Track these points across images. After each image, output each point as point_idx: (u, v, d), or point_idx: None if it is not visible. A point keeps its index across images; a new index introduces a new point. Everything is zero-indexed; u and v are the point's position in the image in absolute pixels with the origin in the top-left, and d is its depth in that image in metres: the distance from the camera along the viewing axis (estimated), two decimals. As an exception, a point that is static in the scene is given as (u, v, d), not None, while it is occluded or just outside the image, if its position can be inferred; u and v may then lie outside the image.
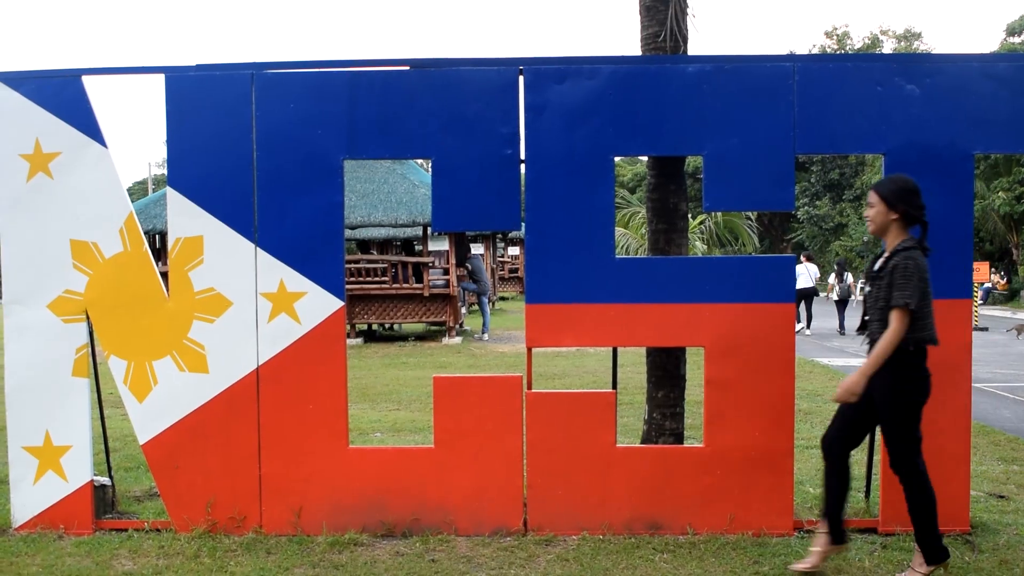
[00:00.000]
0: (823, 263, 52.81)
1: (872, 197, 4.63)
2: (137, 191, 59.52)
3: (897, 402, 4.51)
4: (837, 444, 4.74)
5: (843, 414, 4.73)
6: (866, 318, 4.69)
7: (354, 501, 5.44)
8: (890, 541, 5.22)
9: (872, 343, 4.55)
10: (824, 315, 22.65)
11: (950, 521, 5.31)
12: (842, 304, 21.85)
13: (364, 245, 24.84)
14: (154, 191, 45.34)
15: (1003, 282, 35.71)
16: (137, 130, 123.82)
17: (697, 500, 5.35)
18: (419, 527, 5.41)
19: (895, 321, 4.38)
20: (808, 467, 7.13)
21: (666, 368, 6.05)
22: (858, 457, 7.36)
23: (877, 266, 4.62)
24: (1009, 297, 34.72)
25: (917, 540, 4.60)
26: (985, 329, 21.55)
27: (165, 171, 5.91)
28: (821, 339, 19.92)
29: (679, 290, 5.26)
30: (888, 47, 50.68)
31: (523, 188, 5.36)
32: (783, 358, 5.31)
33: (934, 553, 4.55)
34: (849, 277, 22.37)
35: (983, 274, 31.49)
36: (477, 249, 27.91)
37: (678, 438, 6.11)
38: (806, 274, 20.43)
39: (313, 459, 5.45)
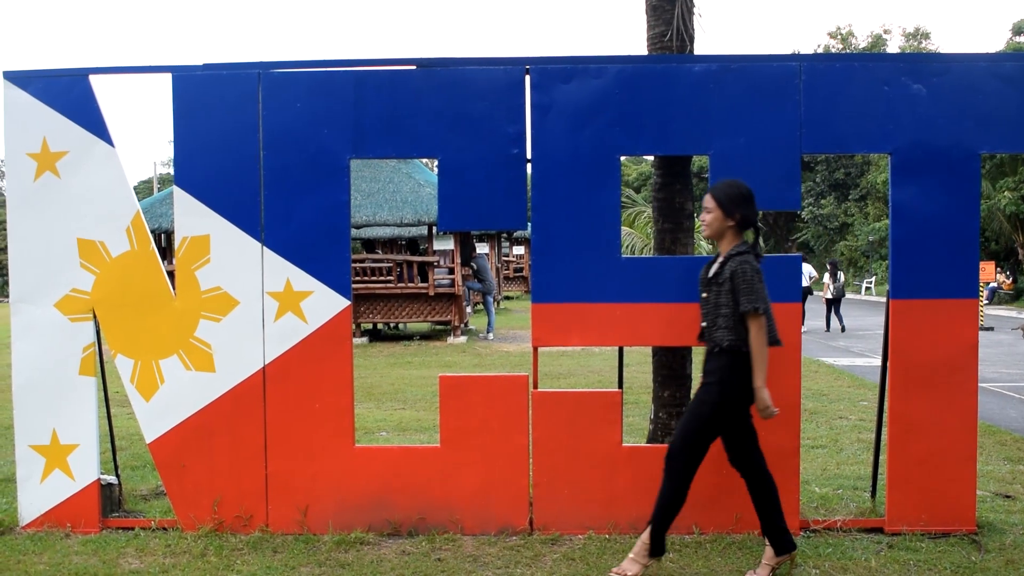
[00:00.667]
0: (827, 263, 52.81)
1: (709, 202, 4.66)
2: (143, 190, 59.60)
3: (718, 401, 4.57)
4: (743, 456, 4.77)
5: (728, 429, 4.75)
6: (704, 324, 4.69)
7: (360, 500, 5.44)
8: (896, 541, 5.21)
9: (715, 350, 4.59)
10: (809, 314, 22.61)
11: (957, 521, 5.31)
12: (835, 303, 22.03)
13: (369, 244, 24.88)
14: (159, 190, 45.46)
15: (1009, 282, 35.61)
16: (142, 129, 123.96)
17: (703, 499, 5.34)
18: (425, 526, 5.42)
19: (754, 327, 4.45)
20: (814, 467, 7.13)
21: (672, 367, 6.05)
22: (864, 457, 7.39)
23: (713, 272, 4.64)
24: (1015, 297, 34.62)
25: (764, 532, 4.71)
26: (991, 329, 21.51)
27: (170, 170, 5.93)
28: (826, 339, 19.91)
29: (685, 290, 5.25)
30: (893, 45, 50.60)
31: (529, 187, 5.36)
32: (789, 357, 5.30)
33: (782, 544, 4.66)
34: (841, 277, 22.62)
35: (988, 274, 31.48)
36: (482, 248, 27.93)
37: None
38: (804, 274, 20.45)
39: (319, 458, 5.46)
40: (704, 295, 4.69)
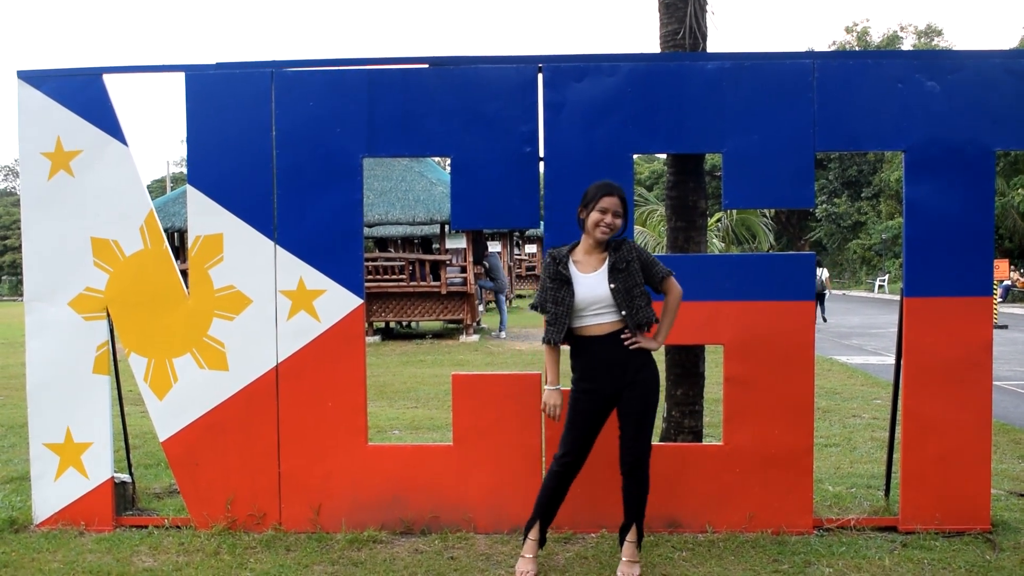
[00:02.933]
0: (840, 261, 52.72)
1: (620, 206, 4.62)
2: (155, 189, 59.81)
3: (656, 390, 4.71)
4: (583, 455, 4.75)
5: (587, 419, 4.69)
6: (623, 312, 4.55)
7: (373, 498, 5.45)
8: (910, 539, 5.18)
9: (641, 325, 4.58)
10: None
11: (971, 520, 5.29)
12: (819, 298, 22.29)
13: (382, 243, 24.91)
14: (172, 189, 45.58)
15: (1023, 280, 35.45)
16: (156, 128, 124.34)
17: (716, 498, 5.34)
18: (438, 524, 5.42)
19: (676, 285, 4.70)
20: (827, 465, 7.11)
21: (685, 366, 6.04)
22: (877, 455, 7.36)
23: (611, 264, 4.59)
24: (1029, 294, 34.47)
25: (640, 533, 4.77)
26: (1005, 327, 21.42)
27: (183, 169, 5.95)
28: (839, 336, 19.84)
29: (698, 288, 5.23)
30: (908, 43, 50.46)
31: (542, 186, 5.36)
32: (802, 356, 5.29)
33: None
34: (825, 273, 22.99)
35: (1002, 271, 31.38)
36: (494, 247, 27.92)
37: (697, 436, 6.10)
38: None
39: (332, 456, 5.46)
40: (613, 286, 4.56)
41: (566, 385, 4.73)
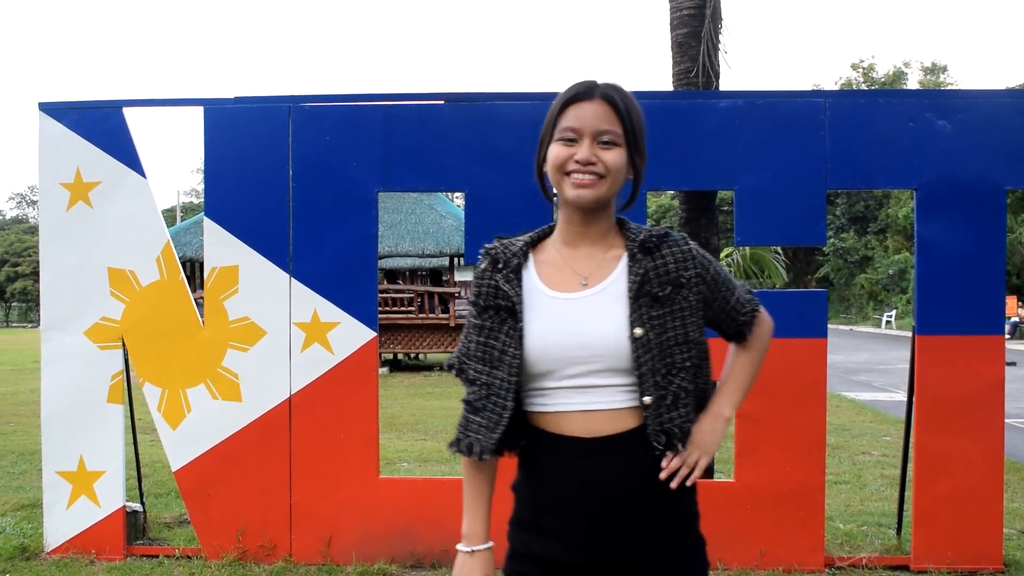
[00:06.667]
0: (847, 296, 52.60)
1: (614, 122, 2.46)
2: (166, 219, 59.75)
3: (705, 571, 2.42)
4: None
5: None
6: (647, 400, 2.10)
7: (384, 531, 5.45)
8: (922, 579, 5.17)
9: (682, 434, 2.24)
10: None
11: (982, 559, 5.27)
12: None
13: (391, 275, 24.97)
14: (183, 219, 45.74)
15: (1032, 317, 35.33)
16: (167, 158, 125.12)
17: (727, 534, 5.32)
18: (448, 558, 5.41)
19: (766, 318, 2.64)
20: (837, 502, 7.08)
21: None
22: (888, 493, 7.34)
23: (637, 279, 2.14)
24: (1037, 332, 34.33)
25: None
26: (1013, 364, 21.19)
27: (193, 199, 5.99)
28: (847, 372, 19.78)
29: (710, 323, 5.24)
30: (913, 79, 50.74)
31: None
32: (815, 392, 5.29)
33: None
34: None
35: (1011, 308, 31.26)
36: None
37: (708, 472, 6.09)
38: None
39: (344, 489, 5.47)
40: (638, 332, 2.07)
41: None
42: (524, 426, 2.16)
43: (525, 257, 2.17)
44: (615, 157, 2.09)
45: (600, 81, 2.13)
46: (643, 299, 2.05)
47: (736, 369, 2.43)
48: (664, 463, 2.07)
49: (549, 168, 2.13)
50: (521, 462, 2.22)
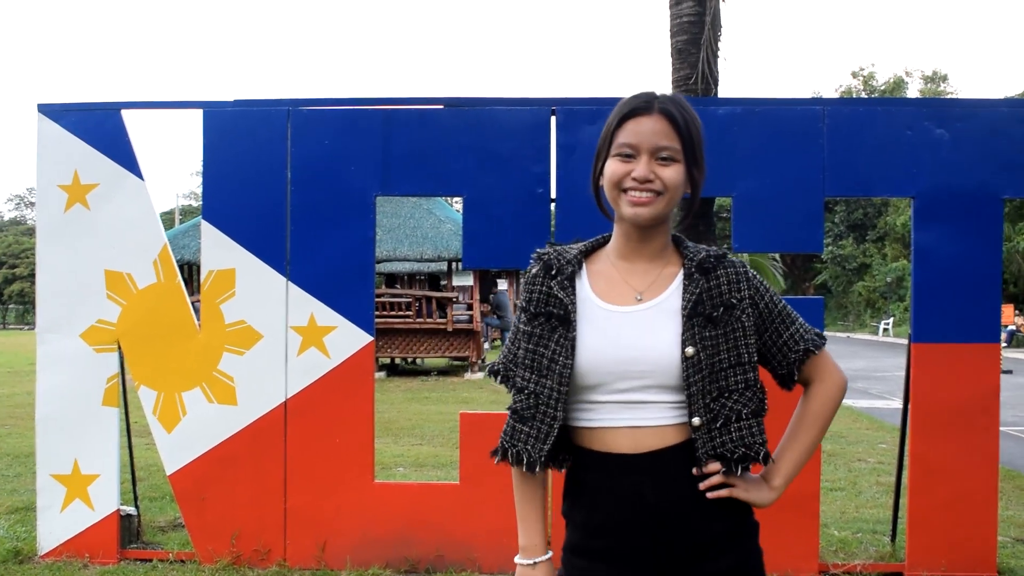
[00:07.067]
0: (845, 303, 52.63)
1: (673, 139, 2.28)
2: (164, 221, 59.71)
3: None
4: None
5: None
6: (696, 421, 2.13)
7: (379, 536, 5.44)
8: (918, 587, 5.16)
9: (732, 456, 2.20)
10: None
11: (976, 566, 5.26)
12: None
13: (389, 279, 24.98)
14: (181, 222, 45.72)
15: (1028, 325, 35.38)
16: (165, 161, 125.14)
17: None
18: (443, 564, 5.40)
19: (835, 370, 2.47)
20: (832, 509, 7.08)
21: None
22: (883, 500, 7.33)
23: (693, 297, 2.27)
24: (1034, 340, 34.38)
25: None
26: (1010, 372, 21.24)
27: (192, 202, 5.98)
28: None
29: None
30: (913, 87, 50.83)
31: (553, 227, 5.39)
32: (811, 400, 5.28)
33: None
34: None
35: (1007, 316, 31.30)
36: (503, 284, 27.99)
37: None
38: None
39: (339, 493, 5.46)
40: (689, 351, 2.06)
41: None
42: (567, 442, 2.16)
43: (579, 266, 2.19)
44: (673, 174, 2.07)
45: (659, 93, 2.13)
46: (696, 318, 2.05)
47: (800, 436, 2.34)
48: (707, 469, 2.06)
49: (606, 184, 2.13)
50: (568, 487, 2.23)
